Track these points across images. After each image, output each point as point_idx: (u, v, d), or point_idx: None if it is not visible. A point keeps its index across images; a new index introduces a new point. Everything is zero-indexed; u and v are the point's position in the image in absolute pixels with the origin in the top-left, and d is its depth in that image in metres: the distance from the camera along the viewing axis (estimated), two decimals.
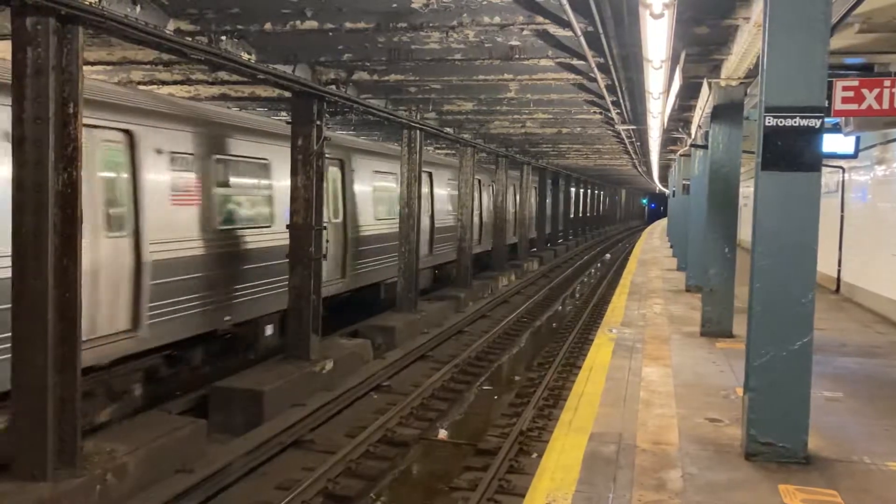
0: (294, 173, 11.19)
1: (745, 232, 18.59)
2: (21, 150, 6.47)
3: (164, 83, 11.97)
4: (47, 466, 6.53)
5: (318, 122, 11.27)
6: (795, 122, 5.56)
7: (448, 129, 18.50)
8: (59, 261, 6.62)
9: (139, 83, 11.57)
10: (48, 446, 6.55)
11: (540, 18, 8.31)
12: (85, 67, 6.91)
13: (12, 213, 6.54)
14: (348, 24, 8.63)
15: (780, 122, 5.58)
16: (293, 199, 11.21)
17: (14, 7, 6.36)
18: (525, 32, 8.90)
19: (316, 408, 10.10)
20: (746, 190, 22.43)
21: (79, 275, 6.77)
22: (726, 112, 10.91)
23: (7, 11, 6.48)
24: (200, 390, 10.25)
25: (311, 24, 8.60)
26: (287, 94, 11.38)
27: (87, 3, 6.67)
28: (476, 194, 23.36)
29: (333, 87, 11.57)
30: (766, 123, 5.60)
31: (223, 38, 8.91)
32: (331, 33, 8.88)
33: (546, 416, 10.36)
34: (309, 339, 11.25)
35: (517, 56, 9.92)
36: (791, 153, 5.58)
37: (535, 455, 8.69)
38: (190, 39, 8.47)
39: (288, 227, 11.28)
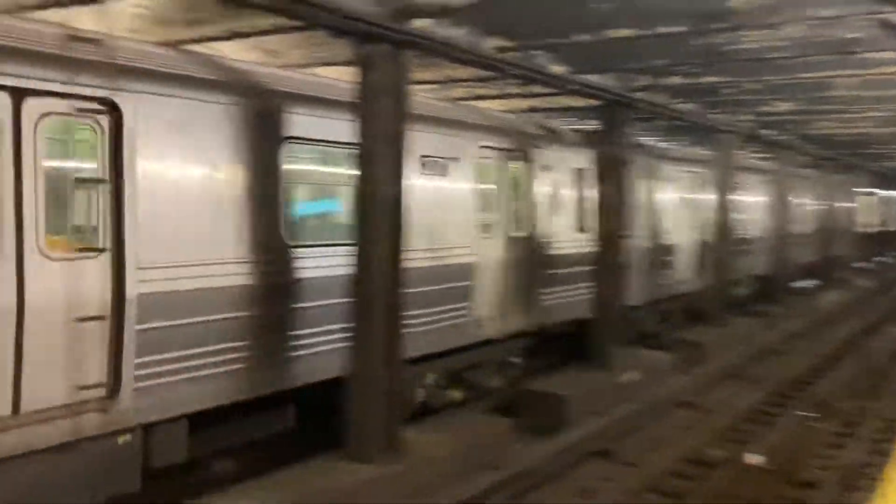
0: (601, 181, 11.20)
1: None
2: (365, 164, 7.16)
3: (481, 98, 12.57)
4: (374, 451, 7.16)
5: (627, 130, 11.16)
6: None
7: (764, 132, 17.29)
8: (388, 266, 7.21)
9: (458, 99, 12.29)
10: (376, 433, 7.19)
11: (889, 8, 7.41)
12: (412, 86, 7.50)
13: (356, 222, 7.27)
14: (661, 29, 8.42)
15: None
16: (601, 206, 11.22)
17: (358, 37, 7.08)
18: (864, 23, 8.01)
19: (617, 418, 10.01)
20: None
21: (401, 279, 7.35)
22: None
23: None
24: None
25: (624, 32, 8.52)
26: (595, 102, 11.41)
27: (416, 29, 7.25)
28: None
29: (642, 93, 11.39)
30: None
31: (536, 52, 9.16)
32: (641, 40, 8.73)
33: (878, 452, 9.24)
34: (611, 348, 11.18)
35: (853, 50, 8.97)
36: None
37: (861, 492, 7.78)
38: (505, 56, 8.82)
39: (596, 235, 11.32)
